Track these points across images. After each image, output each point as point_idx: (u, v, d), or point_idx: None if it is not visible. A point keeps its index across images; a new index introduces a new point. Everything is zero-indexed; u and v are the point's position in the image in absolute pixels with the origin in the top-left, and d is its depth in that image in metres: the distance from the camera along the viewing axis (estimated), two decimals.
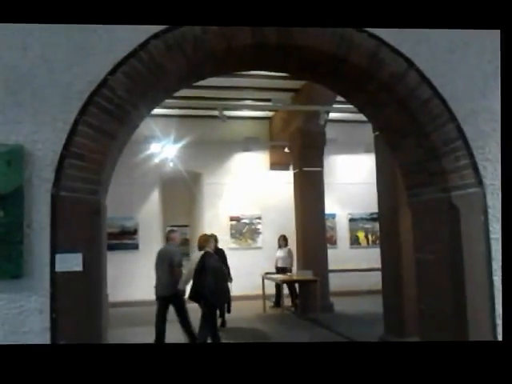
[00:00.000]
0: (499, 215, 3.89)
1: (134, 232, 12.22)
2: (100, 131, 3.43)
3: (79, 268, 3.29)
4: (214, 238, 8.90)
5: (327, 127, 10.71)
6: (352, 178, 13.00)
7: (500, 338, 3.75)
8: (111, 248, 11.60)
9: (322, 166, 10.77)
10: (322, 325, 8.79)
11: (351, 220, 13.43)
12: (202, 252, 6.88)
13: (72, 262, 3.28)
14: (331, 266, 10.72)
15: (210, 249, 7.02)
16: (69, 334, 3.25)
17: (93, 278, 3.40)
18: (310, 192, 10.55)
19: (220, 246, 10.10)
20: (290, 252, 11.00)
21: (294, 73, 5.03)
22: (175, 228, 9.61)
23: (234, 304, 9.24)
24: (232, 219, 12.69)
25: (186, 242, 13.40)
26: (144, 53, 3.54)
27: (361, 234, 13.44)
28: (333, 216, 13.01)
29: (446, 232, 3.87)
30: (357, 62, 3.90)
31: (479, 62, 4.09)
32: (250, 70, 4.95)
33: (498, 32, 4.02)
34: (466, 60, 4.06)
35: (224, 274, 7.06)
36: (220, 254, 8.88)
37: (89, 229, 3.38)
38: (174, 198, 13.28)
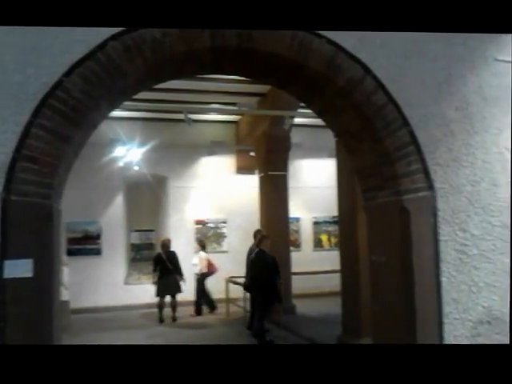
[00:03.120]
0: (448, 218, 4.03)
1: (98, 237, 12.01)
2: (54, 134, 3.37)
3: (29, 274, 3.19)
4: (168, 241, 10.53)
5: (292, 132, 10.82)
6: (316, 182, 13.15)
7: (445, 337, 3.89)
8: (73, 253, 11.48)
9: (286, 170, 10.87)
10: (284, 327, 8.87)
11: (315, 223, 13.59)
12: None
13: (21, 269, 3.17)
14: (295, 269, 10.80)
15: None
16: (17, 342, 3.13)
17: (44, 285, 3.31)
18: (274, 196, 10.64)
19: (185, 249, 10.23)
20: None
21: (255, 77, 5.08)
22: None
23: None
24: (197, 223, 12.67)
25: (150, 247, 13.31)
26: (101, 54, 3.50)
27: (324, 237, 13.61)
28: (297, 219, 13.14)
29: (398, 234, 3.99)
30: (315, 68, 3.97)
31: (433, 69, 4.21)
32: (211, 73, 4.99)
33: (450, 39, 4.17)
34: (420, 67, 4.17)
35: None
36: (170, 256, 10.17)
37: (41, 234, 3.30)
38: (138, 202, 13.18)
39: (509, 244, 4.22)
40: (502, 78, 4.35)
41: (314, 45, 3.87)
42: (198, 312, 10.63)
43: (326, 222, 13.54)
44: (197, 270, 10.82)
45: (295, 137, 11.14)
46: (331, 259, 11.85)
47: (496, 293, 4.15)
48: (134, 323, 10.17)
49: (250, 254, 8.91)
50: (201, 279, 10.76)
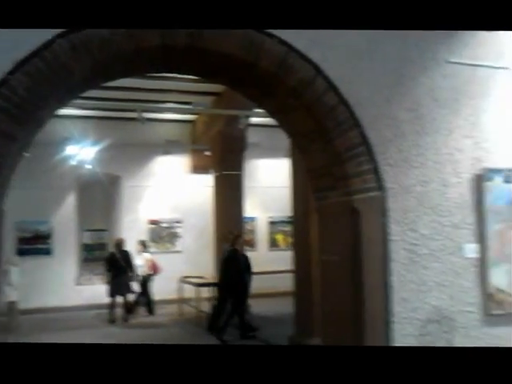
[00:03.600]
0: (398, 217, 4.07)
1: (48, 236, 11.73)
2: None
3: None
4: (121, 240, 10.54)
5: (249, 131, 10.81)
6: (273, 182, 13.17)
7: (394, 336, 3.93)
8: (23, 253, 11.14)
9: (242, 169, 10.85)
10: (237, 327, 8.84)
11: (271, 223, 13.62)
12: None
13: None
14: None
15: None
16: None
17: None
18: (229, 195, 10.61)
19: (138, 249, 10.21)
20: None
21: (207, 77, 5.01)
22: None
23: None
24: (151, 223, 12.49)
25: (102, 247, 13.05)
26: (48, 52, 3.40)
27: (280, 237, 13.65)
28: (252, 219, 13.13)
29: (348, 234, 4.01)
30: (267, 68, 3.94)
31: (384, 69, 4.24)
32: (162, 72, 4.90)
33: (402, 40, 4.20)
34: (372, 68, 4.20)
35: None
36: (124, 255, 10.19)
37: None
38: (91, 201, 12.90)
39: (457, 244, 4.31)
40: (452, 79, 4.43)
41: (266, 45, 3.84)
42: (130, 311, 10.37)
43: (282, 222, 13.58)
44: (141, 271, 10.67)
45: (252, 136, 11.13)
46: (287, 259, 11.87)
47: (445, 292, 4.23)
48: (84, 324, 10.02)
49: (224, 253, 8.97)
50: (144, 280, 10.60)
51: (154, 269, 10.75)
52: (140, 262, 10.74)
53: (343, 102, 4.06)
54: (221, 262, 8.74)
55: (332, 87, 4.04)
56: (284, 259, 12.30)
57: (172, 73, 5.07)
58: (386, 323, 3.97)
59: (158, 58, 3.92)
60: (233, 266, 8.28)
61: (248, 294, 8.41)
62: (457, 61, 4.43)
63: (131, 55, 3.69)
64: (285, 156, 11.78)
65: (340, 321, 4.10)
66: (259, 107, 4.88)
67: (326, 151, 4.15)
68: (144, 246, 11.01)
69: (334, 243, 4.23)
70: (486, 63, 4.55)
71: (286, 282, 11.57)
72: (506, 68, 4.64)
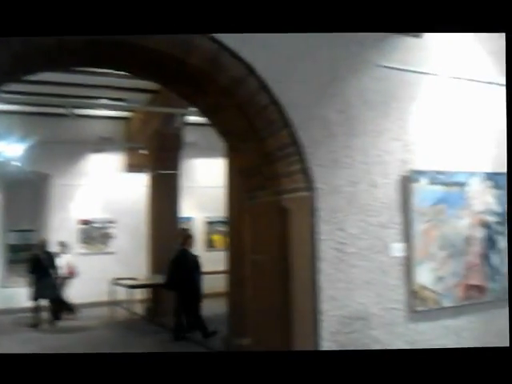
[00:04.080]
0: (327, 217, 4.12)
1: None
2: None
3: None
4: (44, 241, 10.25)
5: (187, 130, 10.68)
6: (210, 182, 13.05)
7: (322, 334, 3.98)
8: None
9: (178, 168, 10.69)
10: (171, 329, 8.72)
11: (208, 223, 13.52)
12: None
13: None
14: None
15: None
16: None
17: None
18: (165, 195, 10.42)
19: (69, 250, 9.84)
20: None
21: (138, 73, 4.90)
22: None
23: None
24: (82, 223, 12.10)
25: (30, 248, 12.50)
26: None
27: (217, 237, 13.58)
28: (189, 219, 12.97)
29: (278, 234, 4.02)
30: (197, 65, 3.87)
31: (316, 71, 4.26)
32: (89, 67, 4.74)
33: (334, 42, 4.24)
34: (304, 68, 4.21)
35: None
36: (47, 257, 9.80)
37: None
38: (18, 200, 12.32)
39: (384, 243, 4.41)
40: (382, 82, 4.53)
41: (196, 42, 3.76)
42: (56, 315, 10.00)
43: (219, 222, 13.50)
44: (61, 273, 10.27)
45: (189, 136, 11.00)
46: (224, 260, 11.86)
47: (372, 290, 4.32)
48: (7, 328, 9.53)
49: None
50: (61, 283, 10.25)
51: (70, 272, 10.37)
52: (60, 263, 10.29)
53: (275, 102, 4.05)
54: (170, 262, 8.59)
55: (264, 87, 4.02)
56: (221, 260, 12.25)
57: (101, 68, 4.90)
58: (315, 321, 4.00)
59: (82, 52, 3.74)
60: (182, 267, 8.22)
61: (200, 294, 8.37)
62: (386, 64, 4.54)
63: (53, 48, 3.51)
64: (222, 155, 11.77)
65: (269, 320, 4.11)
66: (192, 106, 4.81)
67: (257, 151, 4.14)
68: (63, 247, 10.59)
69: (263, 243, 4.23)
70: (413, 68, 4.69)
71: (223, 283, 11.59)
72: (432, 74, 4.80)
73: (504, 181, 5.06)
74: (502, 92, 5.15)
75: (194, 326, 8.22)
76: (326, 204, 4.14)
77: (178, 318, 8.36)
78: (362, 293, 4.27)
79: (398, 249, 4.48)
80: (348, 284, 4.20)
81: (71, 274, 10.34)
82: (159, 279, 9.53)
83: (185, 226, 9.95)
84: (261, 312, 4.24)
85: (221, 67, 3.91)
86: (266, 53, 4.05)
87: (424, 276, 4.56)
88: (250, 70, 3.98)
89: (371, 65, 4.50)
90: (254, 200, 4.37)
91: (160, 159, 10.56)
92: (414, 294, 4.49)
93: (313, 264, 4.02)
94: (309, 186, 4.09)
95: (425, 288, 4.55)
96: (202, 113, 4.69)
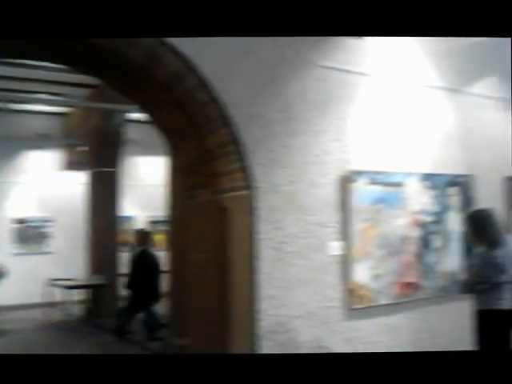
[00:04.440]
0: (266, 216, 4.11)
1: None
2: None
3: None
4: None
5: (129, 127, 10.46)
6: (153, 180, 12.83)
7: (260, 333, 3.96)
8: None
9: (117, 166, 10.44)
10: (110, 330, 8.52)
11: (151, 222, 13.27)
12: None
13: None
14: (125, 270, 10.41)
15: None
16: None
17: None
18: (105, 193, 10.15)
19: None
20: None
21: (74, 66, 4.72)
22: None
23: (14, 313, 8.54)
24: (17, 222, 11.62)
25: None
26: None
27: (160, 237, 13.33)
28: (130, 218, 12.69)
29: (217, 233, 3.98)
30: (136, 60, 3.76)
31: (258, 69, 4.24)
32: (19, 58, 4.54)
33: (277, 41, 4.22)
34: (246, 66, 4.17)
35: None
36: None
37: None
38: None
39: (323, 242, 4.45)
40: (322, 83, 4.57)
41: None
42: None
43: (162, 222, 13.26)
44: None
45: (131, 133, 10.76)
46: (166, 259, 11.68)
47: (310, 288, 4.35)
48: None
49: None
50: None
51: None
52: None
53: (215, 100, 4.00)
54: (130, 263, 8.46)
55: (204, 84, 3.96)
56: (163, 259, 12.08)
57: (39, 61, 4.70)
58: (253, 321, 3.99)
59: (17, 44, 3.57)
60: (141, 266, 8.12)
61: (159, 294, 8.16)
62: (326, 65, 4.58)
63: None
64: (165, 153, 11.60)
65: (208, 319, 4.07)
66: (132, 102, 4.69)
67: (197, 149, 4.09)
68: None
69: (204, 242, 4.19)
70: (353, 68, 4.76)
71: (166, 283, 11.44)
72: (371, 75, 4.89)
73: (440, 181, 5.26)
74: (440, 94, 5.37)
75: (150, 326, 8.11)
76: (265, 203, 4.13)
77: (124, 318, 8.19)
78: (301, 291, 4.29)
79: (336, 247, 4.53)
80: (286, 283, 4.21)
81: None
82: (98, 280, 9.31)
83: (141, 227, 9.65)
84: (200, 312, 4.20)
85: (160, 62, 3.82)
86: (207, 49, 3.98)
87: (361, 274, 4.63)
88: (190, 66, 3.90)
89: (312, 65, 4.53)
90: (195, 199, 4.31)
91: (100, 156, 10.27)
92: (350, 292, 4.56)
93: (251, 263, 4.00)
94: (248, 184, 4.07)
95: (361, 286, 4.63)
96: (142, 109, 4.60)
